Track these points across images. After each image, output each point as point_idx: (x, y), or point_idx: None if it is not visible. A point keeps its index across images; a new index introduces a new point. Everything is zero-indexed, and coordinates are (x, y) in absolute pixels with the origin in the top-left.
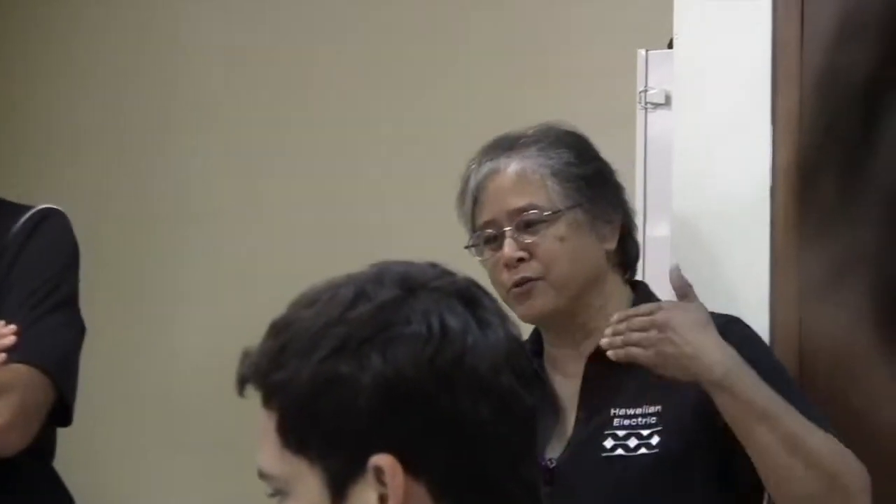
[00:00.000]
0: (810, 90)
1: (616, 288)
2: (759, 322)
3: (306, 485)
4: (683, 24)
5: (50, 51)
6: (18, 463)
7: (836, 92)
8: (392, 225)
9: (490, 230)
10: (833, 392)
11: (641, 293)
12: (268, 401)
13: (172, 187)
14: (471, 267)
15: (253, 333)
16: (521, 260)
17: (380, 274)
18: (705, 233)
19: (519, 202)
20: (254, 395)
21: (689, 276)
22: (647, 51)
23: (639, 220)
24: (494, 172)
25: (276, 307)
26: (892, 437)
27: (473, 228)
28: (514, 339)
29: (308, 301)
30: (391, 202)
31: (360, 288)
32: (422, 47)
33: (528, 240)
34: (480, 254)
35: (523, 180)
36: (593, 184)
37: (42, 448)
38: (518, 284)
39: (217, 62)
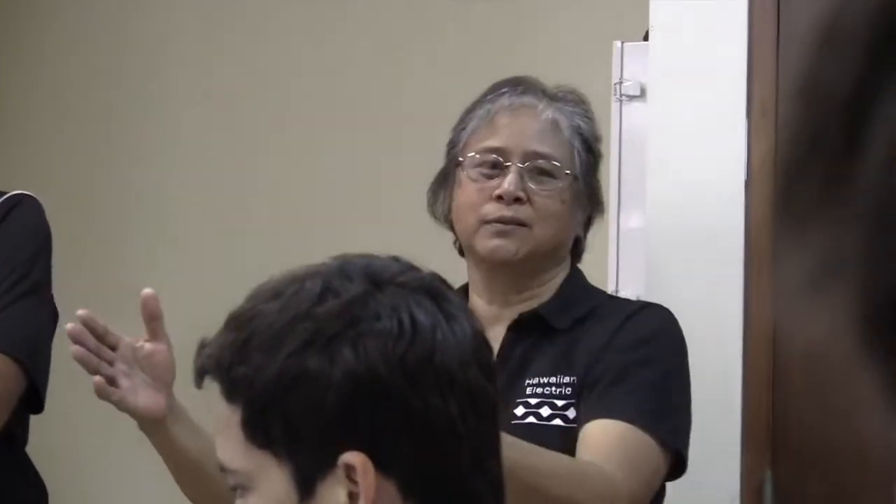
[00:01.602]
0: (787, 91)
1: (563, 269)
2: (733, 321)
3: (271, 480)
4: (659, 16)
5: (27, 40)
6: None
7: (816, 97)
8: (367, 219)
9: (496, 156)
10: (808, 394)
11: (574, 277)
12: (230, 394)
13: (150, 177)
14: (438, 260)
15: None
16: (517, 199)
17: (344, 268)
18: (679, 226)
19: (543, 148)
20: (215, 387)
21: (662, 271)
22: (622, 42)
23: (613, 212)
24: (525, 107)
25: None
26: (869, 441)
27: (465, 146)
28: (479, 332)
29: (270, 294)
30: (368, 197)
31: (327, 282)
32: (398, 38)
33: (532, 185)
34: (467, 172)
35: (556, 130)
36: (596, 168)
37: (13, 435)
38: (504, 222)
39: (197, 52)
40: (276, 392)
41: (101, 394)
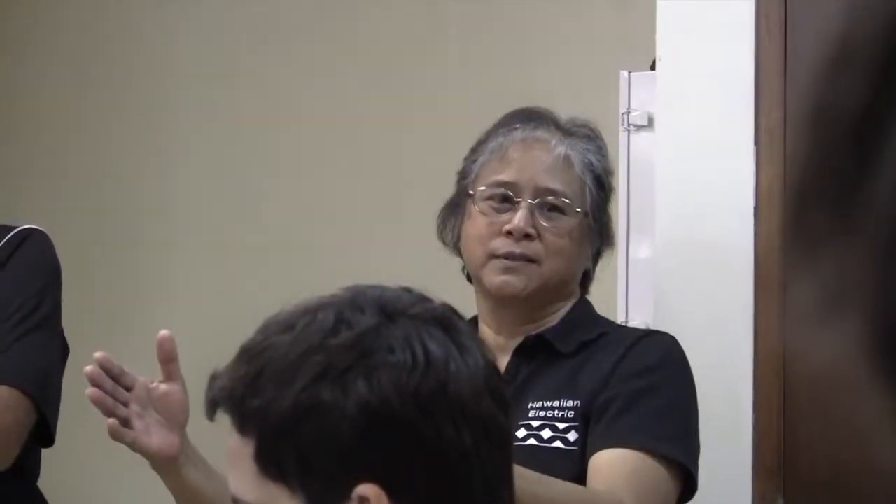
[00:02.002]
0: (796, 117)
1: (572, 295)
2: (743, 347)
3: None
4: (666, 46)
5: (32, 63)
6: (1, 483)
7: (825, 122)
8: (375, 240)
9: (507, 191)
10: (818, 419)
11: (581, 306)
12: (243, 427)
13: (157, 206)
14: (449, 291)
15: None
16: (527, 235)
17: (356, 299)
18: (688, 255)
19: (554, 184)
20: (226, 419)
21: (672, 300)
22: (629, 72)
23: (622, 242)
24: (538, 141)
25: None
26: (881, 465)
27: (476, 178)
28: (491, 362)
29: (283, 326)
30: (376, 216)
31: (339, 314)
32: (406, 66)
33: (543, 222)
34: (478, 205)
35: (568, 166)
36: (607, 202)
37: (25, 468)
38: (513, 258)
39: (206, 69)
40: (290, 424)
41: (115, 435)
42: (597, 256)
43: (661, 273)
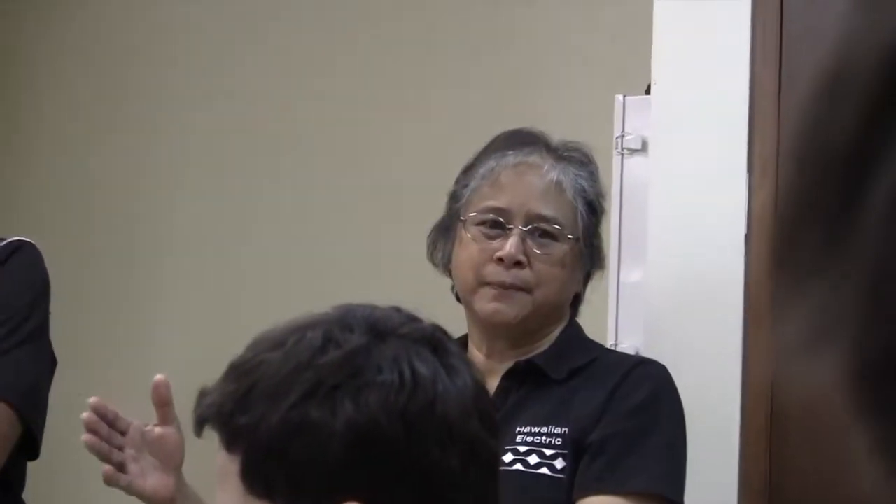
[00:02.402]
0: (789, 144)
1: (563, 319)
2: (732, 374)
3: None
4: (661, 70)
5: (23, 74)
6: None
7: (816, 152)
8: (367, 260)
9: (498, 217)
10: (806, 448)
11: (571, 330)
12: (230, 444)
13: (149, 219)
14: (446, 307)
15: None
16: (517, 263)
17: (345, 318)
18: (679, 279)
19: (546, 211)
20: (213, 435)
21: (662, 324)
22: (624, 96)
23: (613, 266)
24: (530, 167)
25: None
26: (867, 495)
27: (467, 203)
28: (480, 383)
29: (272, 343)
30: (369, 233)
31: (329, 332)
32: (403, 87)
33: (535, 249)
34: (469, 231)
35: (560, 192)
36: (598, 226)
37: (10, 480)
38: (503, 287)
39: (201, 80)
40: (278, 442)
41: (110, 482)
42: (587, 279)
43: (652, 298)
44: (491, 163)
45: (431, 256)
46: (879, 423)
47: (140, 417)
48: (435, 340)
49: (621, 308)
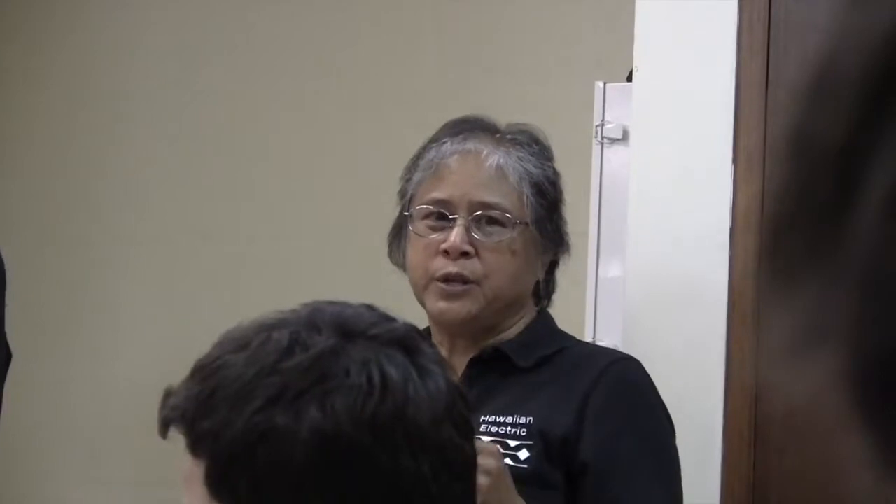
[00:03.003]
0: (775, 139)
1: (527, 313)
2: (714, 374)
3: None
4: (644, 57)
5: None
6: None
7: (806, 149)
8: (334, 255)
9: (441, 209)
10: (790, 451)
11: (541, 320)
12: (195, 449)
13: (109, 211)
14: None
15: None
16: (464, 254)
17: (314, 318)
18: (660, 275)
19: (489, 197)
20: (178, 437)
21: (642, 322)
22: (604, 83)
23: (591, 260)
24: (469, 154)
25: (212, 341)
26: (854, 501)
27: (413, 198)
28: (454, 387)
29: (237, 344)
30: (337, 231)
31: (295, 333)
32: (380, 73)
33: (481, 238)
34: (414, 226)
35: (501, 177)
36: (554, 209)
37: None
38: (450, 279)
39: (164, 79)
40: (242, 448)
41: None
42: (553, 266)
43: (631, 294)
44: (431, 154)
45: (392, 258)
46: (872, 428)
47: (98, 411)
48: (407, 341)
49: (599, 304)
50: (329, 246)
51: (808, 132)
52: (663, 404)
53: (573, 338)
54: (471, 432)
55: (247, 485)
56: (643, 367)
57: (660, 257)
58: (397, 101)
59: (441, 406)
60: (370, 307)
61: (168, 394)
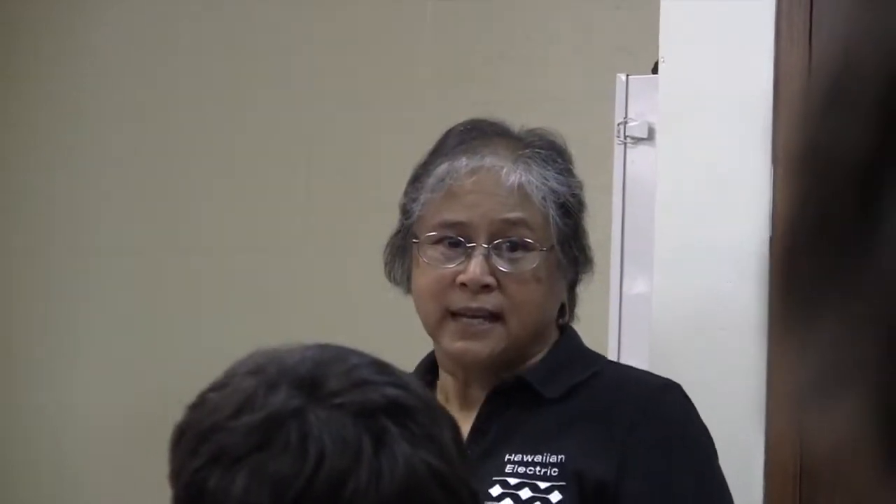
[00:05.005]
0: (786, 160)
1: (551, 334)
2: (753, 402)
3: None
4: (671, 46)
5: None
6: None
7: (820, 167)
8: (305, 270)
9: (456, 234)
10: (837, 487)
11: (566, 340)
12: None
13: (72, 227)
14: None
15: (148, 395)
16: (485, 286)
17: (283, 371)
18: (691, 294)
19: (512, 215)
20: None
21: (672, 347)
22: (627, 76)
23: (615, 275)
24: (487, 171)
25: (176, 370)
26: None
27: (420, 220)
28: (421, 476)
29: (221, 382)
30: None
31: (254, 389)
32: (396, 69)
33: (504, 267)
34: (424, 253)
35: (523, 196)
36: (579, 226)
37: None
38: (471, 314)
39: (121, 80)
40: (186, 500)
41: None
42: (573, 285)
43: (658, 314)
44: (441, 170)
45: (389, 276)
46: None
47: (51, 447)
48: (387, 413)
49: (624, 324)
50: (301, 257)
51: (822, 146)
52: (709, 435)
53: (603, 357)
54: None
55: None
56: (687, 396)
57: (691, 272)
58: (402, 92)
59: (390, 497)
60: (377, 363)
61: (192, 406)
